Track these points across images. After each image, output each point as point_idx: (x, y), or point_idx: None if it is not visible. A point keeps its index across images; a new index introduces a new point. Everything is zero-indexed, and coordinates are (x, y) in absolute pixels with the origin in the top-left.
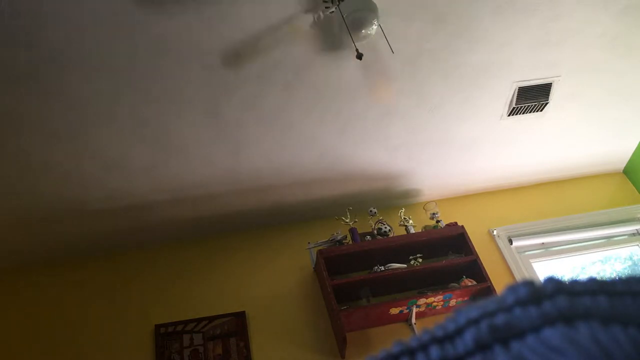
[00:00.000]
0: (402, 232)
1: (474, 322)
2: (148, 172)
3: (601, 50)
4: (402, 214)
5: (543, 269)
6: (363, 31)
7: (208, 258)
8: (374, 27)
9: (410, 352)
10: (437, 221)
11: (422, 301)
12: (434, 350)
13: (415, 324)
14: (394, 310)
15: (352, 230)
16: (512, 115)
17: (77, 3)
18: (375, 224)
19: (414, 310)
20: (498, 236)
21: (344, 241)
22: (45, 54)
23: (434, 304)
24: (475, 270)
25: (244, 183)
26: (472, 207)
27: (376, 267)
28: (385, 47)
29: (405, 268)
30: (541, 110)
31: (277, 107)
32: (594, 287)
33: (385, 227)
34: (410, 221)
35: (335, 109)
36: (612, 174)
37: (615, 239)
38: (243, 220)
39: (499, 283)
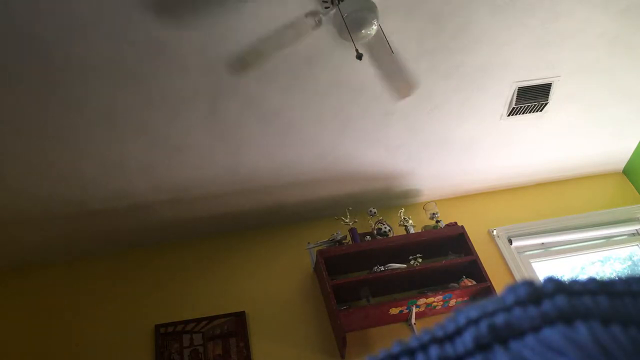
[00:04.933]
0: (402, 232)
1: (474, 322)
2: (148, 172)
3: (601, 50)
4: (402, 214)
5: (543, 269)
6: (363, 31)
7: (208, 258)
8: (374, 27)
9: (410, 352)
10: (437, 221)
11: (422, 301)
12: (434, 350)
13: (415, 324)
14: (394, 310)
15: (352, 231)
16: (512, 115)
17: (77, 3)
18: (375, 224)
19: (414, 310)
20: (498, 236)
21: (343, 241)
22: (45, 54)
23: (434, 304)
24: (475, 270)
25: (243, 183)
26: (472, 207)
27: (376, 267)
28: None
29: (405, 268)
30: (541, 111)
31: (277, 107)
32: (594, 287)
33: (385, 227)
34: (410, 221)
35: (335, 109)
36: (611, 174)
37: (615, 239)
38: (243, 220)
39: (499, 283)
